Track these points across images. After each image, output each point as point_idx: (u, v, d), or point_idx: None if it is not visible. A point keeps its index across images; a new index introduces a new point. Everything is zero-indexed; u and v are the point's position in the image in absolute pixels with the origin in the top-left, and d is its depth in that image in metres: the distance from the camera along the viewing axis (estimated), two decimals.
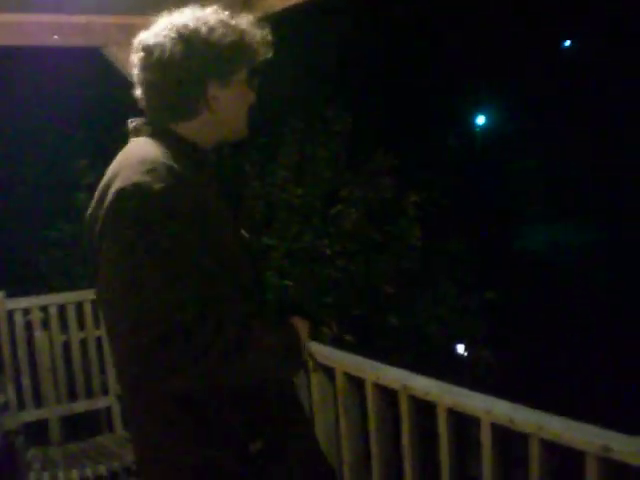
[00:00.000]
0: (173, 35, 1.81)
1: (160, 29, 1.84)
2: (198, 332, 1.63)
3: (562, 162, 16.64)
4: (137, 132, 1.91)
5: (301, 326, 1.95)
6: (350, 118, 7.47)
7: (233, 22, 1.86)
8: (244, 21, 1.89)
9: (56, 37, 3.89)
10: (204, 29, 1.81)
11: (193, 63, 1.81)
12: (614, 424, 2.00)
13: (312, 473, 2.02)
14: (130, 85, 4.32)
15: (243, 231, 2.03)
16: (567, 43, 18.92)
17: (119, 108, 6.97)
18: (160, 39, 1.82)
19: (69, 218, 6.86)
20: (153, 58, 1.82)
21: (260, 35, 1.89)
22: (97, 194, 1.78)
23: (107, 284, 1.69)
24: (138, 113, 1.97)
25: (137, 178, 1.69)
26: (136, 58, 1.88)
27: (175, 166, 1.74)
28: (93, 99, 7.70)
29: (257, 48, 1.89)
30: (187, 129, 1.88)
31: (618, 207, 15.78)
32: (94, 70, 4.52)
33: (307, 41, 7.91)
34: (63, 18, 3.82)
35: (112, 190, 1.71)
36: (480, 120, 18.67)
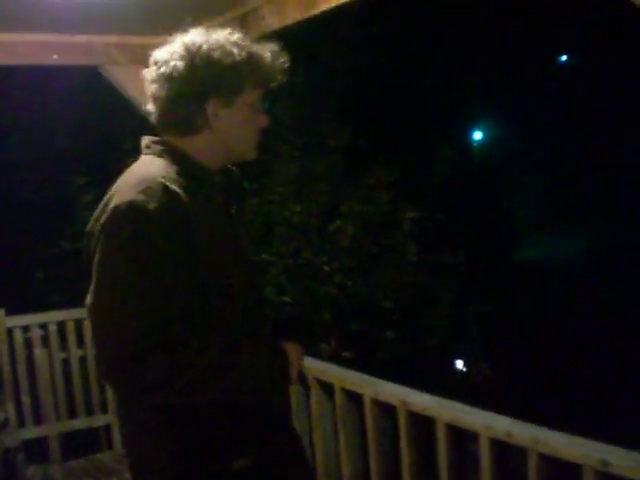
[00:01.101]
0: (180, 51, 1.86)
1: (170, 46, 1.89)
2: (179, 350, 1.67)
3: (559, 174, 16.69)
4: (146, 149, 1.95)
5: (293, 351, 1.96)
6: (348, 133, 7.50)
7: (243, 44, 1.88)
8: (258, 45, 1.91)
9: (56, 57, 3.92)
10: (209, 47, 1.85)
11: (194, 79, 1.84)
12: (613, 438, 2.02)
13: None
14: (128, 104, 4.36)
15: (246, 248, 2.06)
16: (563, 57, 19.00)
17: (118, 126, 7.04)
18: (168, 54, 1.87)
19: (68, 235, 6.88)
20: (160, 71, 1.87)
21: (273, 60, 1.91)
22: (97, 210, 1.82)
23: (93, 296, 1.72)
24: (136, 131, 2.00)
25: (132, 196, 1.72)
26: (147, 72, 1.92)
27: (172, 186, 1.76)
28: (92, 117, 7.72)
29: (268, 72, 1.91)
30: (191, 146, 1.91)
31: (616, 219, 15.82)
32: (94, 88, 4.55)
33: (304, 58, 7.94)
34: (63, 37, 3.85)
35: (109, 207, 1.75)
36: (477, 135, 18.72)
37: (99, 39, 3.94)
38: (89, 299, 1.73)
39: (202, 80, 1.84)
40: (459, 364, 8.51)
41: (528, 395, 9.69)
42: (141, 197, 1.71)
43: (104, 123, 7.58)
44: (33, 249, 7.53)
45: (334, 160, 7.32)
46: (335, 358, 5.75)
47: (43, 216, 7.80)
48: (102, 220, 1.76)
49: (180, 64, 1.84)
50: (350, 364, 4.42)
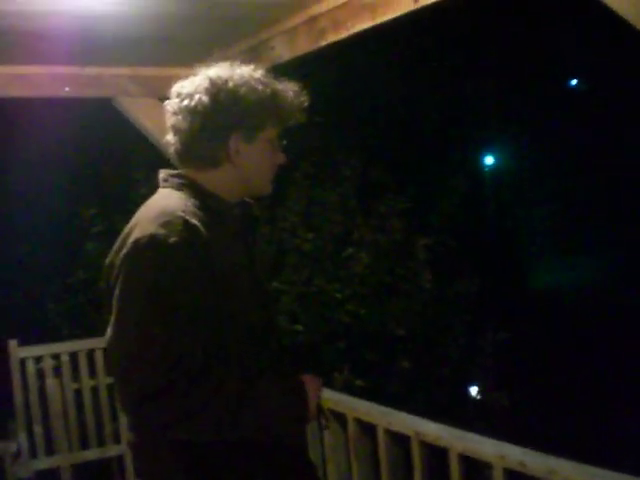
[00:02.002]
0: (205, 85, 1.88)
1: (195, 79, 1.91)
2: (198, 387, 1.67)
3: (573, 200, 16.65)
4: (164, 182, 1.96)
5: (311, 384, 1.95)
6: (360, 162, 7.52)
7: (266, 80, 1.91)
8: (282, 83, 1.94)
9: (67, 89, 3.96)
10: (235, 82, 1.87)
11: (218, 113, 1.86)
12: (632, 468, 1.99)
13: None
14: (140, 135, 4.39)
15: (262, 279, 2.06)
16: (573, 82, 19.02)
17: (128, 157, 7.08)
18: (192, 88, 1.89)
19: (78, 267, 6.90)
20: (183, 104, 1.89)
21: (295, 99, 1.94)
22: (117, 243, 1.83)
23: (113, 330, 1.72)
24: (147, 162, 2.03)
25: (153, 230, 1.73)
26: (169, 104, 1.94)
27: (192, 220, 1.77)
28: (103, 149, 7.78)
29: (289, 110, 1.94)
30: (210, 179, 1.92)
31: (632, 246, 15.73)
32: (104, 119, 4.59)
33: (315, 88, 7.98)
34: (75, 69, 3.90)
35: (129, 240, 1.76)
36: (489, 160, 18.72)
37: (110, 71, 3.99)
38: (109, 333, 1.74)
39: (227, 115, 1.86)
40: (474, 393, 8.44)
41: (544, 424, 9.60)
42: (162, 231, 1.72)
43: (113, 154, 7.62)
44: (45, 280, 7.56)
45: (346, 189, 7.32)
46: (348, 387, 5.72)
47: (55, 247, 7.84)
48: (122, 253, 1.76)
49: (205, 98, 1.86)
50: (363, 393, 4.40)
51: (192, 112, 1.86)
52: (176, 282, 1.69)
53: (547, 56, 15.32)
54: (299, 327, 6.20)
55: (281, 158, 2.00)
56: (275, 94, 1.90)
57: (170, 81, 1.98)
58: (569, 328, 13.54)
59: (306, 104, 1.97)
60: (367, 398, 3.15)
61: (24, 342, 4.40)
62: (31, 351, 4.35)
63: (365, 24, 2.89)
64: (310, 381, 1.96)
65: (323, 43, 3.15)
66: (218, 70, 1.91)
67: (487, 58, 14.44)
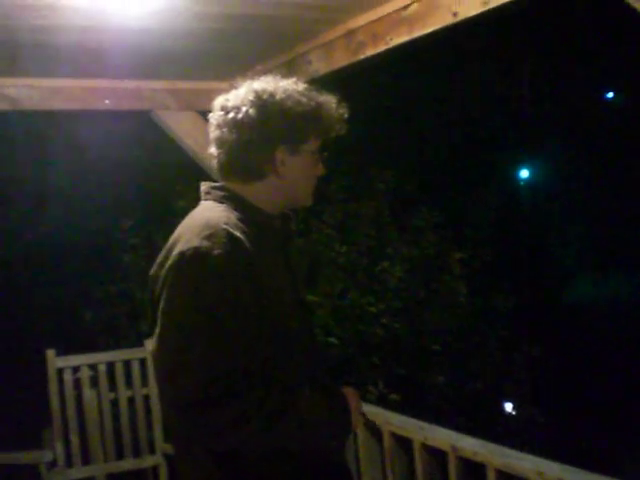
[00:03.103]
0: (251, 97, 1.91)
1: (240, 92, 1.94)
2: (242, 398, 1.67)
3: (610, 214, 16.45)
4: (206, 195, 1.98)
5: (351, 397, 1.95)
6: (394, 176, 7.51)
7: (310, 93, 1.94)
8: (323, 95, 1.97)
9: (107, 102, 4.02)
10: (281, 96, 1.90)
11: (265, 126, 1.89)
12: None
13: None
14: (177, 148, 4.43)
15: (302, 291, 2.07)
16: (610, 94, 18.84)
17: (166, 170, 7.15)
18: (238, 101, 1.92)
19: (115, 278, 6.97)
20: (228, 117, 1.91)
21: (336, 111, 1.96)
22: (161, 255, 1.84)
23: (158, 342, 1.73)
24: (184, 175, 2.06)
25: (197, 243, 1.74)
26: (213, 117, 1.97)
27: (235, 233, 1.78)
28: (142, 161, 7.85)
29: (331, 123, 1.97)
30: (253, 191, 1.94)
31: None
32: (143, 133, 4.65)
33: (350, 100, 8.00)
34: (114, 83, 3.96)
35: (174, 253, 1.77)
36: (524, 173, 18.58)
37: (148, 84, 4.05)
38: (154, 344, 1.76)
39: (274, 127, 1.89)
40: (509, 409, 8.37)
41: (580, 440, 9.48)
42: (206, 243, 1.73)
43: (153, 167, 7.69)
44: (83, 290, 7.64)
45: (380, 203, 7.32)
46: (382, 401, 5.70)
47: (94, 258, 7.93)
48: (167, 265, 1.78)
49: (252, 111, 1.88)
50: (398, 407, 4.38)
51: (239, 125, 1.89)
52: (220, 295, 1.70)
53: (584, 68, 15.20)
54: (333, 340, 6.19)
55: (321, 170, 2.02)
56: (319, 106, 1.93)
57: (207, 95, 2.01)
58: (605, 344, 13.38)
59: (346, 116, 1.98)
60: (401, 412, 3.14)
61: (60, 352, 4.44)
62: (68, 361, 4.38)
63: (402, 38, 2.90)
64: (351, 394, 1.96)
65: (361, 57, 3.17)
66: (262, 83, 1.93)
67: (523, 70, 14.38)
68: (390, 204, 7.44)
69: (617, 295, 15.87)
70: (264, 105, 1.89)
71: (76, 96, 3.93)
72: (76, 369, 4.40)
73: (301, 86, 1.96)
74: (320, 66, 3.45)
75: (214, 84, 3.92)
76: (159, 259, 1.84)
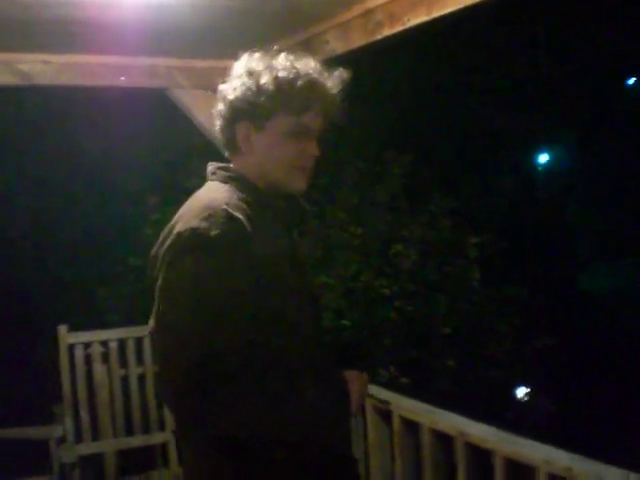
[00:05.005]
0: (233, 73, 1.92)
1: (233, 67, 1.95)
2: (240, 381, 1.65)
3: (627, 202, 16.31)
4: (212, 175, 1.97)
5: (355, 381, 1.94)
6: (409, 160, 7.47)
7: (302, 72, 1.87)
8: (324, 76, 1.90)
9: (123, 78, 4.01)
10: (249, 71, 1.88)
11: (231, 101, 1.89)
12: None
13: None
14: (192, 126, 4.42)
15: (308, 275, 2.04)
16: (631, 80, 18.64)
17: (189, 148, 7.12)
18: (227, 76, 1.94)
19: (136, 253, 6.97)
20: (218, 91, 1.95)
21: (322, 91, 1.88)
22: (162, 234, 1.83)
23: (155, 322, 1.73)
24: (202, 153, 2.05)
25: (196, 223, 1.73)
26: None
27: (235, 213, 1.76)
28: (167, 138, 7.81)
29: (305, 102, 1.87)
30: (240, 166, 1.94)
31: None
32: (168, 110, 4.64)
33: (368, 82, 7.95)
34: (129, 60, 3.94)
35: (173, 232, 1.76)
36: (543, 158, 18.44)
37: (163, 62, 4.03)
38: (151, 324, 1.74)
39: (236, 103, 1.87)
40: (520, 396, 8.35)
41: (591, 429, 9.44)
42: (204, 224, 1.72)
43: (177, 145, 7.66)
44: (98, 266, 7.66)
45: (395, 187, 7.28)
46: (393, 384, 5.69)
47: (115, 234, 7.93)
48: (166, 245, 1.77)
49: (225, 86, 1.92)
50: (408, 391, 4.37)
51: (219, 99, 1.93)
52: (217, 275, 1.68)
53: (605, 54, 15.03)
54: (345, 322, 6.18)
55: (302, 152, 1.91)
56: (292, 84, 1.85)
57: (222, 74, 1.99)
58: (620, 333, 13.29)
59: (332, 91, 1.90)
60: (411, 396, 3.12)
61: (73, 328, 4.45)
62: (80, 337, 4.39)
63: (421, 18, 2.86)
64: (354, 378, 1.94)
65: (378, 37, 3.12)
66: (241, 60, 1.92)
67: (543, 55, 14.24)
68: (405, 189, 7.39)
69: (633, 284, 15.75)
70: (234, 80, 1.89)
71: (91, 72, 3.91)
72: (88, 345, 4.41)
73: (286, 62, 1.88)
74: (337, 46, 3.41)
75: (229, 63, 3.89)
76: (160, 238, 1.83)
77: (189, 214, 1.78)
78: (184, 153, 7.22)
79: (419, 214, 7.23)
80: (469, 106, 11.62)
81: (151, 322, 1.75)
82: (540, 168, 18.25)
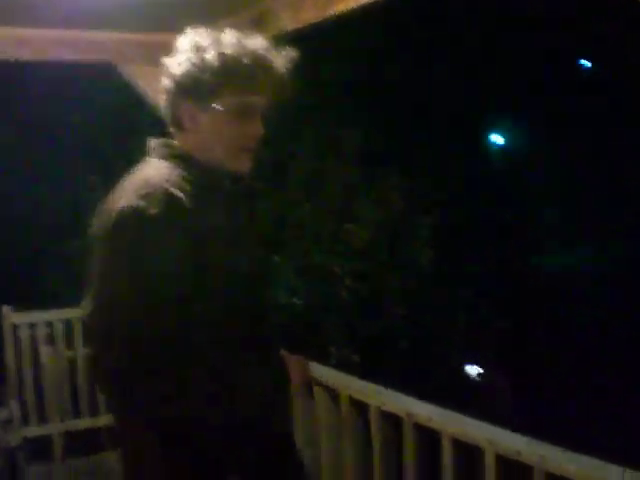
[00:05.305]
0: (179, 48, 1.84)
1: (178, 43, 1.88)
2: (179, 363, 1.63)
3: (583, 181, 16.50)
4: (152, 152, 1.91)
5: (295, 365, 1.92)
6: (361, 137, 7.45)
7: (247, 49, 1.81)
8: (271, 53, 1.83)
9: (69, 52, 3.91)
10: (194, 46, 1.81)
11: (176, 77, 1.82)
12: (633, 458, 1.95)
13: None
14: (142, 101, 4.33)
15: (255, 255, 2.00)
16: (587, 63, 18.86)
17: (131, 124, 7.02)
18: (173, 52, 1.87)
19: (77, 234, 6.86)
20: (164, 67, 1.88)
21: (257, 65, 1.81)
22: (100, 213, 1.78)
23: (90, 303, 1.68)
24: (149, 129, 1.98)
25: (134, 202, 1.67)
26: None
27: (175, 192, 1.71)
28: (105, 115, 7.69)
29: (251, 80, 1.81)
30: (183, 143, 1.87)
31: None
32: (108, 85, 4.54)
33: (319, 58, 7.89)
34: (77, 33, 3.84)
35: (110, 211, 1.71)
36: (498, 139, 18.58)
37: (112, 36, 3.92)
38: (86, 305, 1.69)
39: (180, 79, 1.81)
40: (473, 374, 8.42)
41: (541, 409, 9.57)
42: (142, 203, 1.66)
43: (118, 120, 7.54)
44: (44, 247, 7.53)
45: (347, 164, 7.26)
46: (343, 362, 5.71)
47: (57, 215, 7.79)
48: (103, 225, 1.72)
49: (169, 62, 1.84)
50: (358, 369, 4.37)
51: (164, 75, 1.85)
52: (155, 255, 1.64)
53: (562, 36, 15.13)
54: (297, 301, 6.17)
55: (247, 131, 1.85)
56: (229, 60, 1.78)
57: (172, 48, 1.93)
58: (574, 312, 13.48)
59: (278, 71, 1.83)
60: (363, 375, 3.11)
61: (21, 309, 4.38)
62: (24, 317, 4.32)
63: None
64: (294, 361, 1.92)
65: (330, 13, 3.07)
66: (186, 35, 1.86)
67: (501, 35, 14.28)
68: (358, 165, 7.38)
69: (588, 265, 15.98)
70: (179, 56, 1.82)
71: (39, 47, 3.80)
72: (33, 326, 4.33)
73: (232, 38, 1.82)
74: (288, 22, 3.35)
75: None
76: (97, 218, 1.78)
77: (127, 192, 1.72)
78: (132, 130, 7.12)
79: (371, 192, 7.22)
80: (425, 83, 11.61)
81: (86, 303, 1.70)
82: (495, 148, 18.39)
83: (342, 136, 7.35)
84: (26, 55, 3.81)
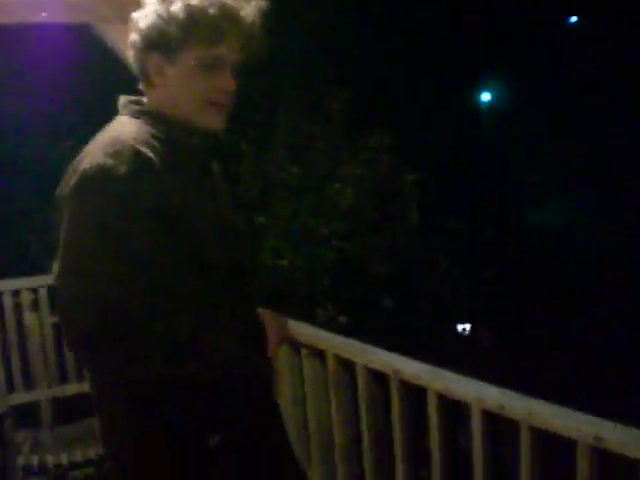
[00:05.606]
0: (145, 2, 1.80)
1: None
2: (152, 322, 1.60)
3: (571, 137, 16.46)
4: (122, 109, 1.87)
5: (273, 324, 1.89)
6: (347, 95, 7.36)
7: (195, 0, 1.74)
8: (242, 3, 1.77)
9: (44, 14, 3.82)
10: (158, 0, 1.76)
11: (142, 30, 1.77)
12: (615, 414, 1.94)
13: (275, 468, 1.96)
14: (119, 62, 4.25)
15: (229, 215, 1.96)
16: (573, 19, 18.72)
17: (109, 86, 6.90)
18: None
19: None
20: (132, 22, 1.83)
21: (228, 19, 1.75)
22: (67, 173, 1.73)
23: (59, 265, 1.64)
24: (127, 90, 1.92)
25: (101, 160, 1.64)
26: None
27: (144, 150, 1.67)
28: (82, 77, 7.57)
29: (218, 32, 1.75)
30: (153, 100, 1.83)
31: (630, 186, 15.53)
32: (82, 47, 4.44)
33: (304, 14, 7.79)
34: None
35: (79, 170, 1.66)
36: (485, 97, 18.47)
37: None
38: (55, 268, 1.65)
39: (146, 32, 1.77)
40: (459, 330, 8.45)
41: (530, 365, 9.62)
42: (110, 161, 1.63)
43: (94, 84, 7.42)
44: (29, 214, 7.46)
45: (333, 122, 7.19)
46: (331, 323, 5.70)
47: (39, 181, 7.68)
48: (70, 184, 1.67)
49: (136, 15, 1.79)
50: (346, 330, 4.36)
51: (131, 29, 1.81)
52: (124, 216, 1.60)
53: None
54: (283, 262, 6.14)
55: (224, 85, 1.79)
56: (193, 10, 1.73)
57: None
58: (562, 267, 13.51)
59: (246, 19, 1.77)
60: (350, 335, 3.10)
61: (3, 276, 4.34)
62: (8, 285, 4.29)
63: None
64: (272, 320, 1.90)
65: None
66: None
67: None
68: (344, 124, 7.30)
69: (575, 220, 16.01)
70: (148, 8, 1.77)
71: (10, 9, 3.72)
72: (17, 293, 4.30)
73: None
74: None
75: None
76: (66, 176, 1.73)
77: (95, 150, 1.69)
78: (108, 91, 7.00)
79: (357, 151, 7.16)
80: (409, 40, 11.49)
81: (55, 267, 1.66)
82: (483, 106, 18.31)
83: (328, 94, 7.26)
84: (2, 19, 3.74)
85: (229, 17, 1.75)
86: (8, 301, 4.27)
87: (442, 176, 8.07)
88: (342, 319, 5.91)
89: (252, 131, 6.83)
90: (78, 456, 3.74)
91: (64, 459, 3.71)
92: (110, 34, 4.03)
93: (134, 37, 1.80)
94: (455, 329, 8.62)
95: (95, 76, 7.37)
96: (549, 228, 15.81)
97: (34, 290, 4.33)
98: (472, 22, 13.81)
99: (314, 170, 6.82)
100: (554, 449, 2.03)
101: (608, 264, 13.28)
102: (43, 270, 6.36)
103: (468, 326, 8.72)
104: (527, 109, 16.84)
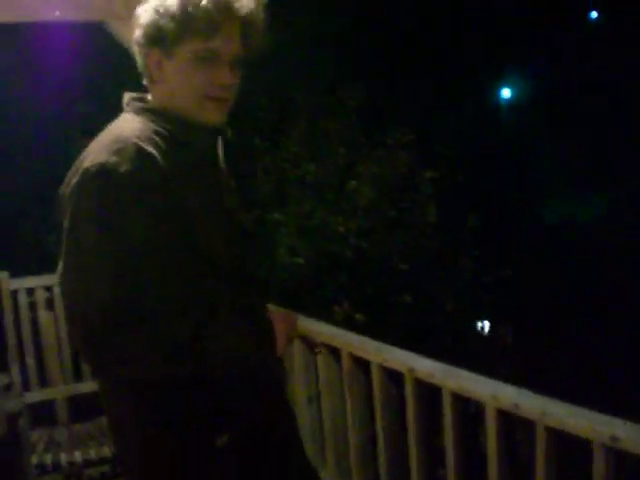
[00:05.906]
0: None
1: None
2: (154, 322, 1.58)
3: (590, 135, 16.34)
4: (126, 107, 1.84)
5: (281, 320, 1.86)
6: (365, 91, 7.31)
7: None
8: None
9: (58, 13, 3.82)
10: None
11: (142, 26, 1.74)
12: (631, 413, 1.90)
13: (283, 466, 1.92)
14: (132, 59, 4.25)
15: (236, 212, 1.93)
16: (594, 14, 18.60)
17: (123, 83, 6.90)
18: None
19: None
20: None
21: (222, 11, 1.72)
22: (71, 171, 1.71)
23: (62, 264, 1.62)
24: (139, 87, 1.90)
25: (104, 158, 1.61)
26: None
27: (147, 147, 1.65)
28: (98, 74, 7.58)
29: (211, 24, 1.71)
30: (155, 96, 1.80)
31: None
32: (98, 43, 4.43)
33: (320, 9, 7.76)
34: None
35: (80, 169, 1.64)
36: (505, 93, 18.38)
37: None
38: (59, 267, 1.63)
39: (145, 28, 1.74)
40: (478, 329, 8.39)
41: (545, 362, 9.55)
42: (113, 159, 1.60)
43: (110, 80, 7.43)
44: (46, 213, 7.47)
45: (351, 119, 7.14)
46: (348, 321, 5.66)
47: (59, 178, 7.69)
48: (72, 183, 1.65)
49: (139, 11, 1.76)
50: (363, 328, 4.32)
51: (136, 25, 1.77)
52: (126, 214, 1.58)
53: None
54: (299, 260, 6.10)
55: (221, 79, 1.75)
56: (187, 3, 1.69)
57: None
58: (580, 265, 13.41)
59: (242, 11, 1.73)
60: (368, 333, 3.08)
61: (18, 274, 4.34)
62: (23, 283, 4.29)
63: None
64: (280, 316, 1.87)
65: None
66: None
67: None
68: (361, 121, 7.26)
69: (594, 216, 15.89)
70: (144, 6, 1.74)
71: (25, 6, 3.72)
72: (31, 291, 4.30)
73: None
74: None
75: None
76: (68, 176, 1.71)
77: (98, 148, 1.66)
78: (117, 90, 7.00)
79: (375, 148, 7.11)
80: (430, 37, 11.45)
81: (59, 265, 1.64)
82: (503, 102, 18.23)
83: (344, 91, 7.21)
84: (12, 17, 3.74)
85: (223, 9, 1.72)
86: (23, 299, 4.27)
87: (460, 173, 7.99)
88: (359, 317, 5.86)
89: (267, 127, 6.80)
90: (92, 454, 3.73)
91: (78, 457, 3.71)
92: (122, 31, 4.03)
93: (137, 33, 1.77)
94: (474, 327, 8.55)
95: (110, 72, 7.38)
96: (569, 226, 15.70)
97: (48, 288, 4.32)
98: (493, 18, 13.75)
99: (331, 167, 6.77)
100: (571, 448, 1.99)
101: (633, 262, 13.15)
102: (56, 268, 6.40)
103: (487, 324, 8.65)
104: (547, 106, 16.74)
